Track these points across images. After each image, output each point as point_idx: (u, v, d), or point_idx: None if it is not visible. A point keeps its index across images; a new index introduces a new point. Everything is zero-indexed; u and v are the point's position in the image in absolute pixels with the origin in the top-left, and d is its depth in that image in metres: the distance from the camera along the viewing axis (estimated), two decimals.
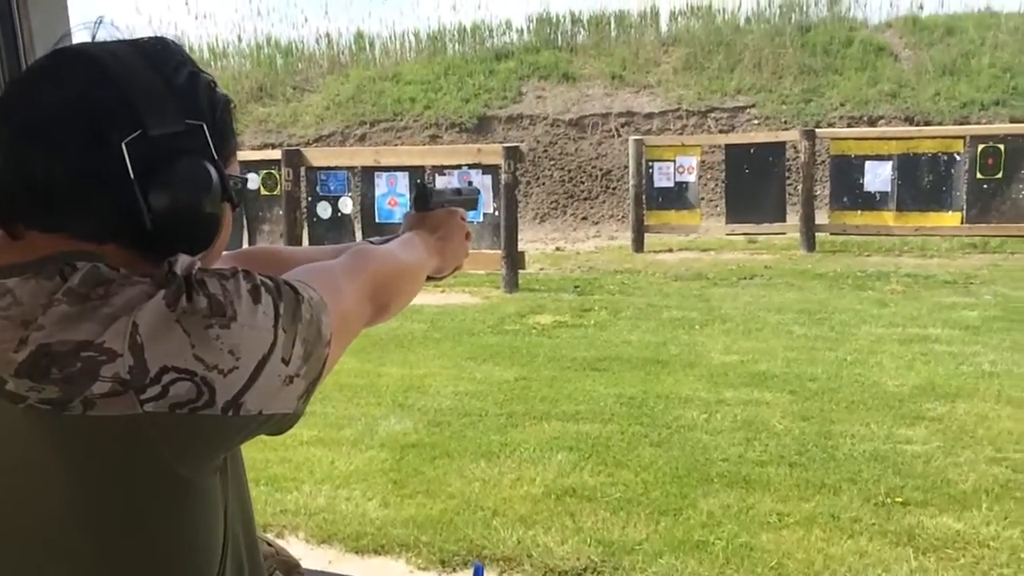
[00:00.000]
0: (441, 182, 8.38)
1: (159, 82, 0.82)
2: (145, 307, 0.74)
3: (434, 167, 9.09)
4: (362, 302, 0.96)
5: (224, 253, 1.14)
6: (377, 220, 8.98)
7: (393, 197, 8.95)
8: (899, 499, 3.56)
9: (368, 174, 9.09)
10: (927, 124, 13.60)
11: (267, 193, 9.53)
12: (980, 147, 9.86)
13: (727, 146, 11.32)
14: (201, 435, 0.76)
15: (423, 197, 1.27)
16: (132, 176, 0.78)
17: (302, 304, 0.82)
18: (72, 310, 0.74)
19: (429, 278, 1.24)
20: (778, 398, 4.94)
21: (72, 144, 0.79)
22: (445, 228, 1.25)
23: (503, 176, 8.38)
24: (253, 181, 9.57)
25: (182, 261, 0.80)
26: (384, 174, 8.96)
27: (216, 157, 0.84)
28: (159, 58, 0.84)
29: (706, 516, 3.47)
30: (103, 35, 0.87)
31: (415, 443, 4.38)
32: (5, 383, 0.73)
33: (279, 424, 0.82)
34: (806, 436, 4.31)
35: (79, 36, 0.88)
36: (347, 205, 9.17)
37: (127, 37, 0.87)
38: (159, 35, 0.88)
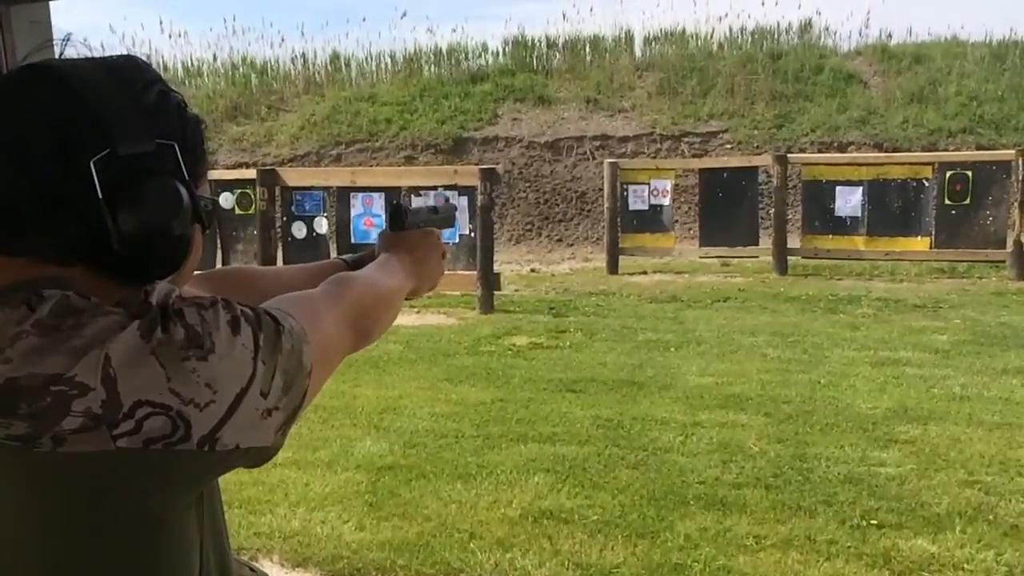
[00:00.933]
0: (417, 201, 8.38)
1: (128, 100, 0.80)
2: (118, 338, 0.72)
3: (410, 188, 9.10)
4: (343, 330, 0.94)
5: (195, 273, 1.11)
6: (353, 240, 8.95)
7: (369, 218, 8.93)
8: (874, 521, 3.58)
9: (344, 194, 9.07)
10: (896, 151, 13.83)
11: (241, 212, 9.48)
12: (948, 173, 10.03)
13: (701, 170, 11.44)
14: (176, 471, 0.74)
15: (398, 216, 1.24)
16: (100, 196, 0.76)
17: (282, 334, 0.80)
18: (41, 342, 0.71)
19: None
20: (753, 420, 4.96)
21: (37, 163, 0.76)
22: (421, 249, 1.23)
23: (479, 198, 8.39)
24: (227, 200, 9.52)
25: (160, 290, 0.78)
26: (360, 194, 8.95)
27: (187, 177, 0.82)
28: (128, 76, 0.82)
29: (683, 539, 3.47)
30: (71, 53, 0.85)
31: (391, 465, 4.34)
32: None
33: (256, 457, 0.80)
34: (781, 458, 4.33)
35: (47, 54, 0.87)
36: (322, 225, 9.13)
37: (95, 55, 0.85)
38: (128, 53, 0.86)
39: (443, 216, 1.34)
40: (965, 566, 3.19)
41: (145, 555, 0.76)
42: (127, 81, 0.81)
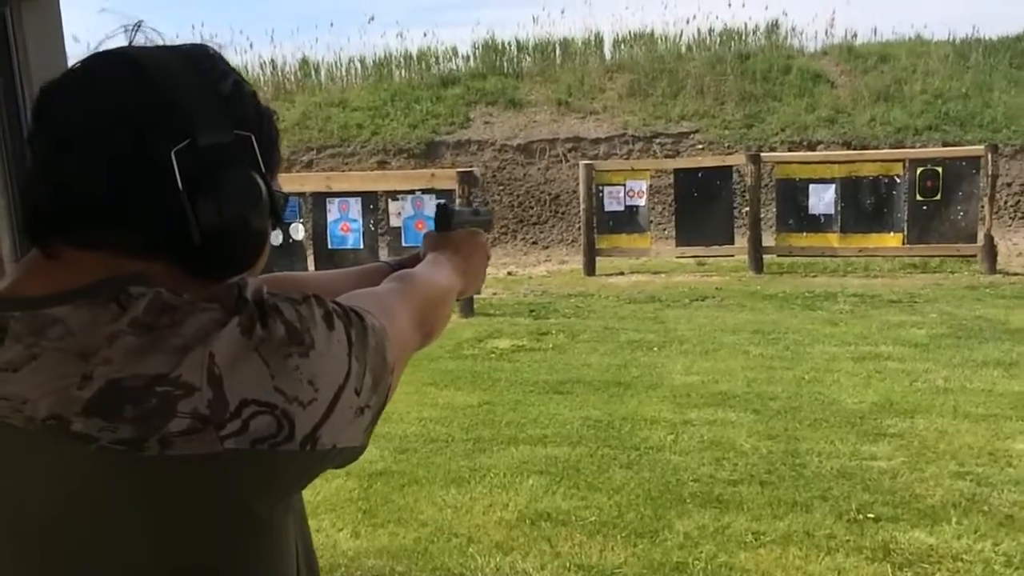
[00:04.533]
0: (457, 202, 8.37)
1: (206, 90, 0.77)
2: (220, 336, 0.70)
3: (386, 192, 9.04)
4: (413, 328, 0.92)
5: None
6: (329, 246, 8.87)
7: (345, 223, 8.86)
8: (871, 515, 3.59)
9: (319, 200, 8.98)
10: (864, 148, 13.98)
11: None
12: (919, 170, 10.15)
13: (676, 170, 11.48)
14: (279, 472, 0.72)
15: (445, 217, 1.24)
16: (181, 187, 0.73)
17: (368, 331, 0.78)
18: (140, 341, 0.69)
19: None
20: (742, 417, 4.98)
21: (118, 153, 0.73)
22: (468, 248, 1.21)
23: (458, 201, 8.35)
24: None
25: (251, 284, 0.75)
26: (336, 200, 8.87)
27: (263, 170, 0.79)
28: (204, 65, 0.79)
29: (683, 537, 3.47)
30: (140, 40, 0.81)
31: (383, 471, 4.30)
32: (71, 423, 0.67)
33: (347, 457, 0.78)
34: (773, 454, 4.34)
35: (113, 42, 0.83)
36: (299, 231, 9.04)
37: (161, 43, 0.81)
38: (200, 42, 0.83)
39: (484, 219, 1.34)
40: (964, 557, 3.21)
41: (253, 561, 0.74)
42: (203, 70, 0.79)
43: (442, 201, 1.29)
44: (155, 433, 0.67)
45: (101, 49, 0.81)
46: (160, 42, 0.81)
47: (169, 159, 0.73)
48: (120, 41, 0.80)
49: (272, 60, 17.91)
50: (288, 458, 0.71)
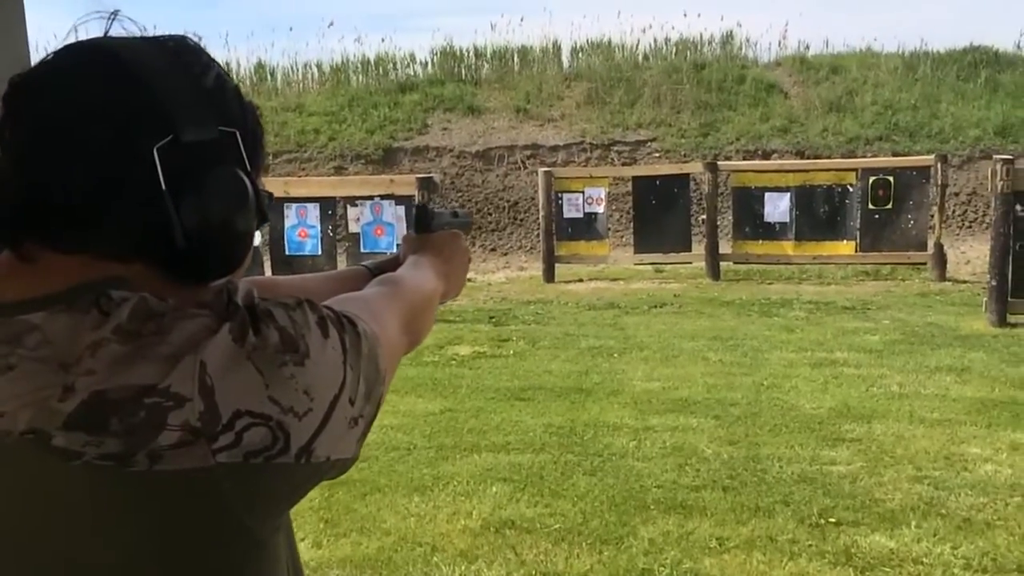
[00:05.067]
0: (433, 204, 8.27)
1: (189, 83, 0.73)
2: (211, 343, 0.66)
3: (345, 198, 8.96)
4: (401, 334, 0.89)
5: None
6: (287, 252, 8.77)
7: (303, 228, 8.76)
8: (832, 519, 3.63)
9: (277, 205, 8.86)
10: (817, 158, 14.20)
11: None
12: (871, 179, 10.33)
13: (634, 178, 11.55)
14: (274, 486, 0.69)
15: (425, 218, 1.20)
16: (164, 186, 0.69)
17: (361, 338, 0.75)
18: (126, 350, 0.65)
19: None
20: (703, 423, 5.00)
21: (97, 150, 0.69)
22: (449, 250, 1.17)
23: (434, 203, 8.30)
24: None
25: (242, 288, 0.72)
26: (294, 205, 8.76)
27: (249, 168, 0.76)
28: (186, 57, 0.75)
29: (648, 543, 3.47)
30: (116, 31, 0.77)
31: (343, 480, 4.22)
32: (52, 438, 0.63)
33: (340, 470, 0.75)
34: (735, 460, 4.37)
35: (86, 30, 0.79)
36: (255, 237, 8.90)
37: (139, 34, 0.77)
38: (179, 33, 0.79)
39: (463, 221, 1.31)
40: (924, 560, 3.26)
41: None
42: (186, 63, 0.75)
43: (422, 203, 1.22)
44: (144, 447, 0.64)
45: (72, 39, 0.76)
46: (138, 33, 0.77)
47: (151, 156, 0.69)
48: (93, 31, 0.76)
49: (227, 63, 17.65)
50: (283, 471, 0.68)
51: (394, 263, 1.15)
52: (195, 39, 0.79)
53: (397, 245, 8.58)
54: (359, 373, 0.73)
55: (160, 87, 0.72)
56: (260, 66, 17.60)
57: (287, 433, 0.67)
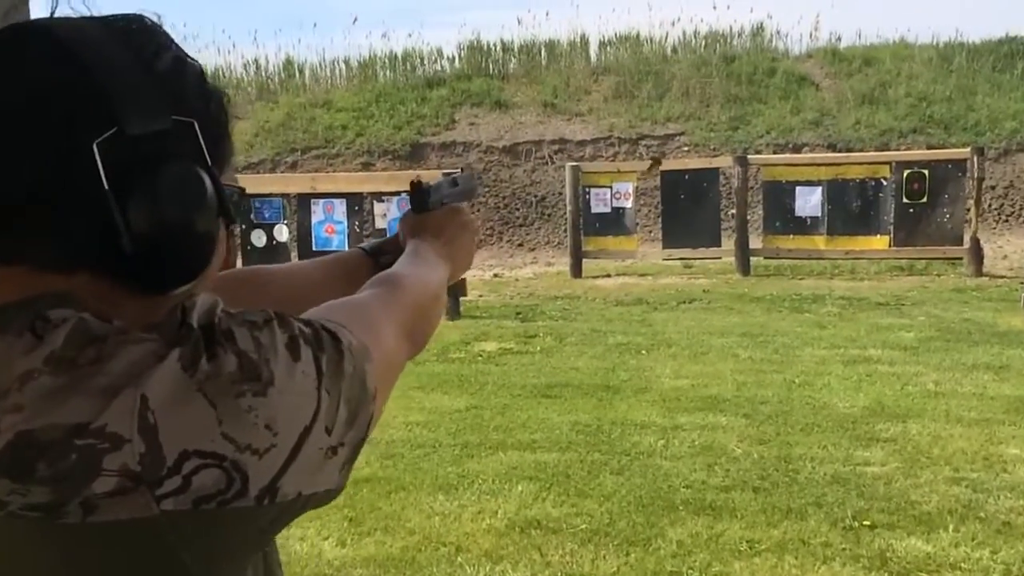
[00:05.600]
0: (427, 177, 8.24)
1: (139, 68, 0.65)
2: (155, 373, 0.58)
3: (371, 194, 8.94)
4: (401, 340, 0.80)
5: None
6: (314, 248, 8.76)
7: (330, 224, 8.75)
8: (866, 522, 3.53)
9: (304, 201, 8.88)
10: (849, 151, 14.01)
11: None
12: (906, 172, 10.15)
13: (663, 172, 11.44)
14: (232, 533, 0.61)
15: (420, 197, 1.08)
16: (107, 186, 0.61)
17: (344, 356, 0.66)
18: (58, 382, 0.57)
19: None
20: (733, 422, 4.91)
21: (30, 146, 0.61)
22: (451, 229, 1.06)
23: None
24: None
25: (201, 305, 0.63)
26: (321, 201, 8.76)
27: (209, 162, 0.68)
28: (137, 39, 0.67)
29: (676, 546, 3.39)
30: (64, 12, 0.69)
31: (368, 477, 4.20)
32: None
33: (320, 501, 0.67)
34: (766, 460, 4.28)
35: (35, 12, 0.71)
36: (283, 233, 8.92)
37: (93, 13, 0.69)
38: (134, 12, 0.70)
39: (464, 188, 1.18)
40: (962, 565, 3.16)
41: None
42: (135, 44, 0.66)
43: (416, 179, 1.12)
44: (76, 496, 0.56)
45: (10, 22, 0.69)
46: (87, 13, 0.69)
47: (92, 152, 0.61)
48: (27, 13, 0.69)
49: (255, 60, 17.76)
50: (241, 516, 0.60)
51: (395, 242, 1.07)
52: (152, 17, 0.70)
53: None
54: (339, 397, 0.65)
55: (102, 72, 0.63)
56: (288, 62, 17.65)
57: (244, 474, 0.59)
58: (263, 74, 17.60)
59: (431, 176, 9.04)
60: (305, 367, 0.63)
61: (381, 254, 1.07)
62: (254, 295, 0.95)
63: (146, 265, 0.64)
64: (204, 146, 0.67)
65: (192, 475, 0.57)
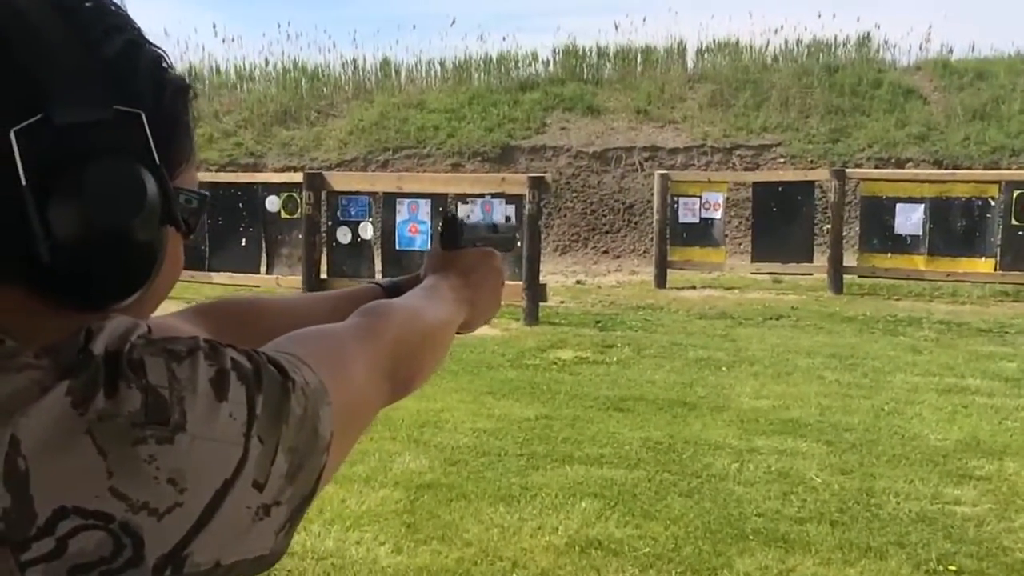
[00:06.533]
0: (463, 211, 8.09)
1: (78, 49, 0.57)
2: (34, 409, 0.49)
3: (457, 195, 8.93)
4: (378, 381, 0.70)
5: (191, 307, 0.87)
6: (397, 247, 8.81)
7: (414, 224, 8.78)
8: (952, 567, 3.29)
9: (390, 200, 8.93)
10: (956, 168, 13.40)
11: (287, 216, 9.39)
12: (1015, 193, 9.61)
13: (755, 184, 11.13)
14: None
15: (452, 231, 1.00)
16: (24, 181, 0.53)
17: (292, 395, 0.57)
18: None
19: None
20: (813, 448, 4.69)
21: None
22: (479, 273, 0.98)
23: (527, 206, 8.20)
24: (273, 204, 9.44)
25: (112, 329, 0.54)
26: (406, 200, 8.80)
27: (157, 160, 0.58)
28: (83, 17, 0.58)
29: None
30: None
31: (431, 483, 4.15)
32: None
33: (248, 571, 0.56)
34: (846, 492, 4.05)
35: None
36: (367, 231, 9.00)
37: None
38: None
39: (503, 238, 1.09)
40: None
41: None
42: (81, 23, 0.58)
43: (451, 214, 1.01)
44: None
45: None
46: None
47: (8, 141, 0.53)
48: None
49: (354, 60, 18.08)
50: None
51: (414, 281, 0.98)
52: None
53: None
54: (276, 445, 0.55)
55: (26, 50, 0.55)
56: (386, 63, 17.92)
57: (137, 538, 0.50)
58: (360, 73, 17.90)
59: (517, 180, 8.99)
60: (233, 408, 0.53)
61: (397, 291, 0.98)
62: (239, 329, 0.85)
63: (70, 278, 0.55)
64: (152, 142, 0.58)
65: (69, 537, 0.48)
